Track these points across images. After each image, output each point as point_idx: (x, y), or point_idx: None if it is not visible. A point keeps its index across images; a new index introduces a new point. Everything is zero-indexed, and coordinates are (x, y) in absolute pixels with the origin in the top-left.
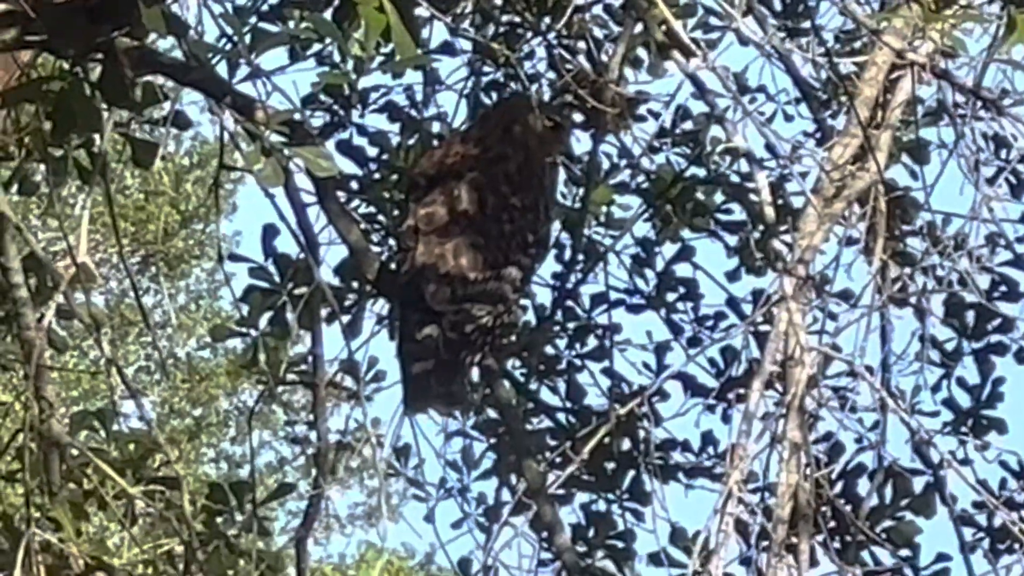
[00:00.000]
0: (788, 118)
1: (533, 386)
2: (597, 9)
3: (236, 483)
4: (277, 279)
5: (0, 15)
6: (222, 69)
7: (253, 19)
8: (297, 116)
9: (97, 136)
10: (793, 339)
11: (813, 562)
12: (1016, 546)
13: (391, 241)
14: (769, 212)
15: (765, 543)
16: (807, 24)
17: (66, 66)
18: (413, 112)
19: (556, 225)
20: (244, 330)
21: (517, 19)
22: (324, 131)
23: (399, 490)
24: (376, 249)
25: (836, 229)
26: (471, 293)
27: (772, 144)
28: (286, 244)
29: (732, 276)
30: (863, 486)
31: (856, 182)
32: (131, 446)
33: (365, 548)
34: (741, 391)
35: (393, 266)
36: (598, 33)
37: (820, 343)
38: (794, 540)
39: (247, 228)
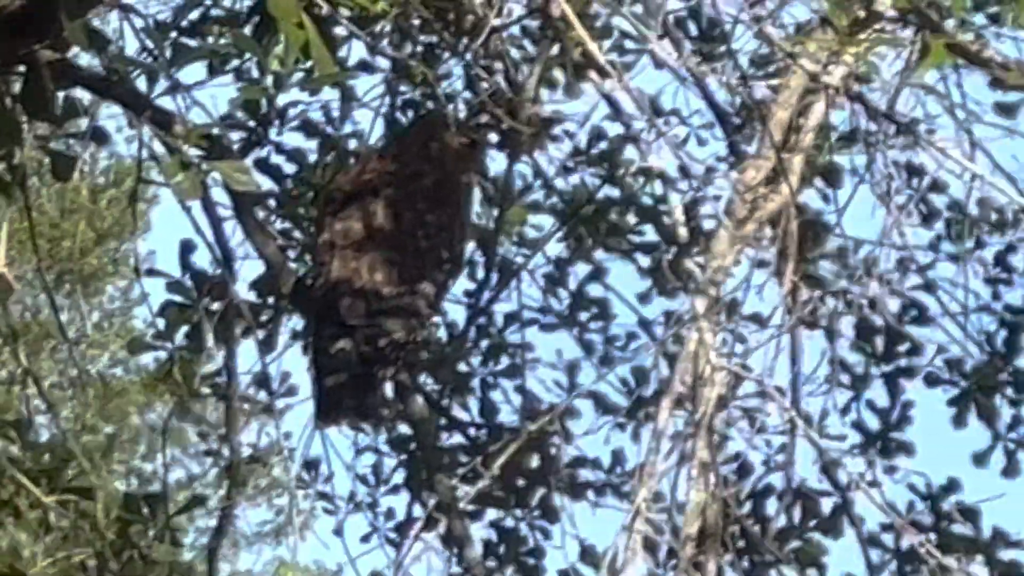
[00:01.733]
0: (701, 141)
1: (446, 402)
2: (514, 30)
3: (149, 494)
4: (194, 294)
5: None
6: (142, 83)
7: (174, 34)
8: (216, 131)
9: (16, 149)
10: (703, 359)
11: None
12: (923, 568)
13: (307, 257)
14: (682, 233)
15: (673, 561)
16: (723, 48)
17: None
18: (330, 129)
19: (470, 243)
20: (160, 344)
21: (435, 39)
22: (243, 149)
23: (308, 507)
24: (292, 264)
25: (748, 251)
26: (385, 308)
27: (686, 166)
28: (203, 259)
29: (644, 297)
30: (772, 506)
31: (768, 204)
32: (46, 456)
33: (277, 564)
34: (651, 410)
35: (309, 280)
36: (515, 54)
37: (730, 364)
38: (702, 559)
39: (161, 247)
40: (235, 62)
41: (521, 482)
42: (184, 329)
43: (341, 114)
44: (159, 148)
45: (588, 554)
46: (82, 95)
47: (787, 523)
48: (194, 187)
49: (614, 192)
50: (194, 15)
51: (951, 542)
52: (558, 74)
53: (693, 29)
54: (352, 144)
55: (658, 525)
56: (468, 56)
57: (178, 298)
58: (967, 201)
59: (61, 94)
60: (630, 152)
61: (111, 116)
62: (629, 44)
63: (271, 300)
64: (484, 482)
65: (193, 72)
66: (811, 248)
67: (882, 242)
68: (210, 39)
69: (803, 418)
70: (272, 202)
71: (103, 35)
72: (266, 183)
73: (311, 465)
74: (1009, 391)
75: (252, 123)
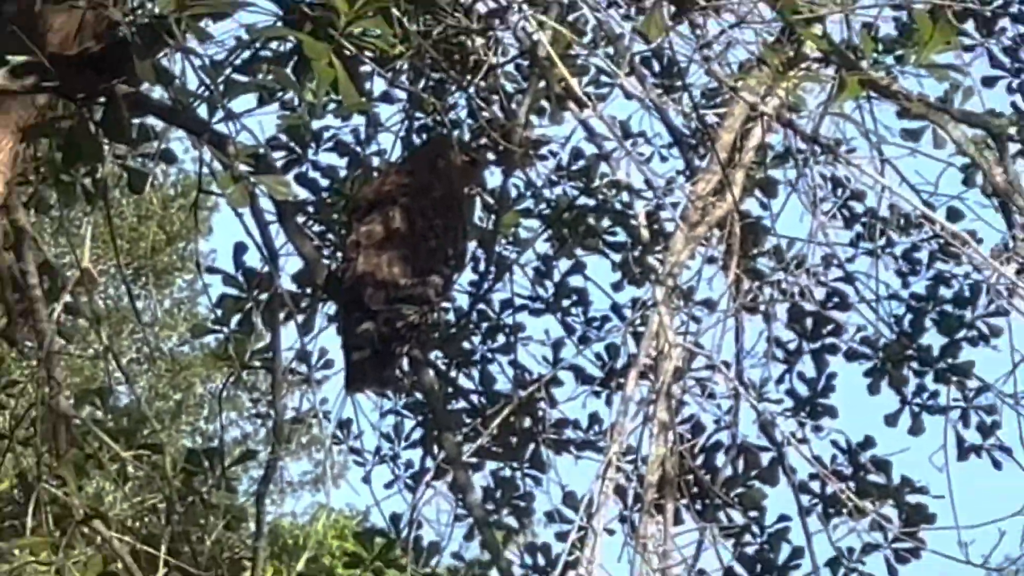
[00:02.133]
0: (663, 159)
1: (452, 374)
2: (508, 68)
3: (208, 449)
4: (245, 287)
5: (21, 65)
6: (202, 111)
7: (228, 71)
8: (261, 150)
9: (99, 166)
10: (663, 338)
11: (678, 520)
12: (843, 510)
13: (338, 254)
14: (645, 234)
15: (638, 504)
16: (679, 83)
17: (74, 108)
18: (358, 149)
19: (472, 242)
20: (218, 328)
21: (443, 76)
22: (286, 166)
23: (342, 460)
24: (325, 261)
25: (700, 250)
26: (401, 296)
27: (649, 179)
28: (253, 257)
29: (616, 287)
30: (720, 460)
31: (716, 211)
32: (124, 418)
33: (316, 508)
34: (621, 380)
35: (339, 274)
36: (509, 88)
37: (685, 341)
38: (662, 502)
39: (221, 247)
40: (280, 94)
41: (514, 440)
42: (237, 316)
43: (366, 137)
44: (217, 165)
45: (569, 499)
46: (153, 121)
47: (732, 473)
48: (243, 197)
49: (590, 201)
50: (245, 54)
51: (867, 488)
52: (544, 104)
53: (655, 67)
54: (376, 161)
55: (626, 474)
56: (470, 90)
57: (232, 291)
58: (879, 208)
59: (136, 121)
60: (604, 168)
61: (179, 138)
62: (603, 79)
63: (309, 291)
64: (483, 439)
65: (245, 102)
66: (751, 246)
67: (810, 241)
68: (259, 75)
69: (745, 387)
70: (310, 210)
71: (169, 72)
72: (305, 194)
73: (343, 425)
74: (915, 364)
75: (294, 144)
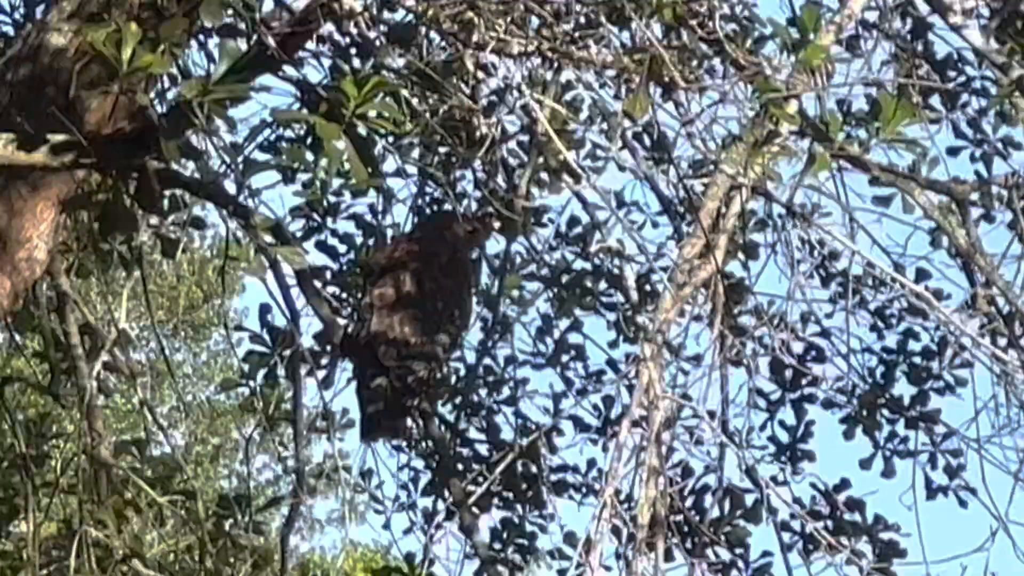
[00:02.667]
0: (654, 225)
1: (461, 425)
2: (511, 143)
3: (239, 495)
4: (270, 345)
5: (60, 143)
6: (229, 185)
7: (249, 150)
8: (281, 222)
9: (134, 235)
10: (652, 390)
11: (670, 558)
12: (821, 547)
13: (354, 314)
14: (635, 295)
15: (632, 543)
16: (667, 155)
17: (110, 182)
18: (373, 221)
19: (478, 303)
20: (245, 383)
21: (450, 151)
22: (307, 234)
23: (365, 500)
24: (341, 321)
25: (687, 308)
26: (412, 353)
27: (640, 244)
28: (280, 316)
29: (612, 344)
30: (708, 501)
31: (701, 273)
32: (160, 467)
33: (343, 545)
34: (615, 429)
35: (354, 333)
36: (511, 161)
37: (673, 393)
38: (653, 540)
39: (253, 304)
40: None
41: (519, 484)
42: (263, 371)
43: (381, 209)
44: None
45: (569, 538)
46: (183, 194)
47: (719, 513)
48: (260, 267)
49: (587, 265)
50: (267, 133)
51: (843, 526)
52: (543, 176)
53: (646, 141)
54: (389, 232)
55: (621, 515)
56: (475, 164)
57: (259, 348)
58: (851, 269)
59: (167, 192)
60: (598, 235)
61: (210, 208)
62: (599, 152)
63: (328, 349)
64: (487, 484)
65: (268, 176)
66: (734, 305)
67: (789, 298)
68: (279, 154)
69: (729, 434)
70: (328, 275)
71: (195, 149)
72: (324, 260)
73: (365, 475)
74: (886, 412)
75: (314, 215)
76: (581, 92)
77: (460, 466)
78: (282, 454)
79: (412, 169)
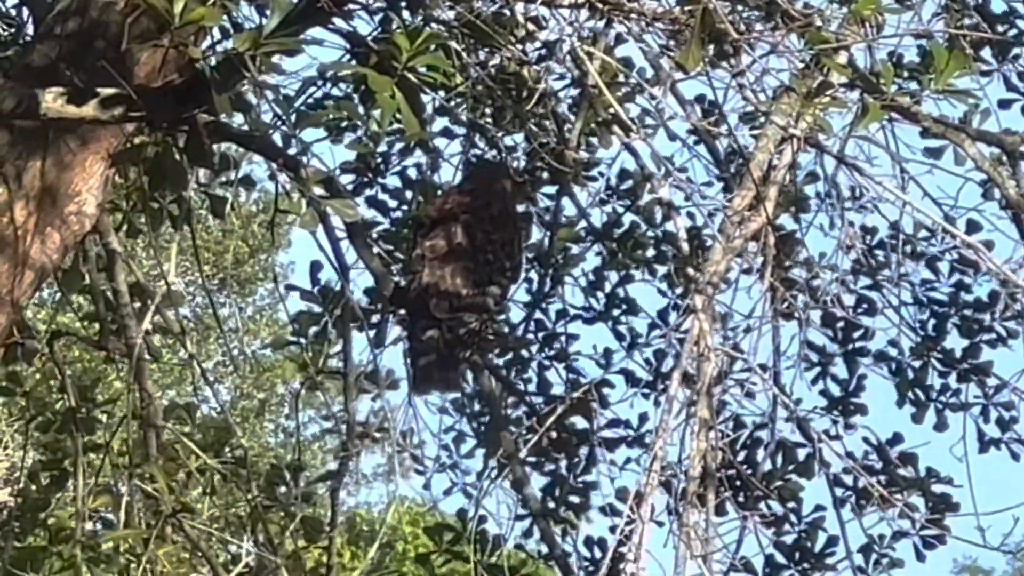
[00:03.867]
0: (706, 185)
1: (512, 379)
2: (561, 97)
3: (290, 464)
4: (320, 302)
5: (110, 97)
6: (278, 138)
7: (300, 103)
8: (332, 175)
9: (184, 190)
10: (703, 342)
11: (722, 512)
12: (874, 501)
13: (405, 269)
14: (685, 247)
15: (683, 497)
16: (718, 113)
17: (159, 136)
18: (422, 176)
19: (528, 256)
20: (296, 340)
21: (501, 104)
22: (358, 189)
23: (408, 458)
24: (392, 275)
25: (739, 262)
26: (463, 305)
27: (690, 194)
28: (328, 271)
29: (659, 302)
30: (760, 455)
31: (751, 224)
32: (211, 431)
33: (390, 500)
34: (667, 383)
35: (405, 285)
36: (562, 114)
37: (725, 346)
38: (704, 493)
39: (299, 258)
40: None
41: (570, 439)
42: (313, 329)
43: (430, 164)
44: (291, 187)
45: (621, 494)
46: (234, 148)
47: (771, 468)
48: (313, 220)
49: (637, 219)
50: (319, 87)
51: (896, 480)
52: (594, 129)
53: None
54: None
55: (672, 469)
56: (525, 117)
57: (310, 306)
58: (900, 221)
59: (217, 148)
60: (649, 187)
61: (258, 162)
62: (648, 120)
63: (379, 306)
64: (539, 435)
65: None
66: (785, 257)
67: (840, 247)
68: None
69: (780, 387)
70: (379, 230)
71: (246, 101)
72: (375, 215)
73: (405, 435)
74: (938, 365)
75: (366, 170)
76: (632, 46)
77: (510, 419)
78: (330, 409)
79: (460, 129)
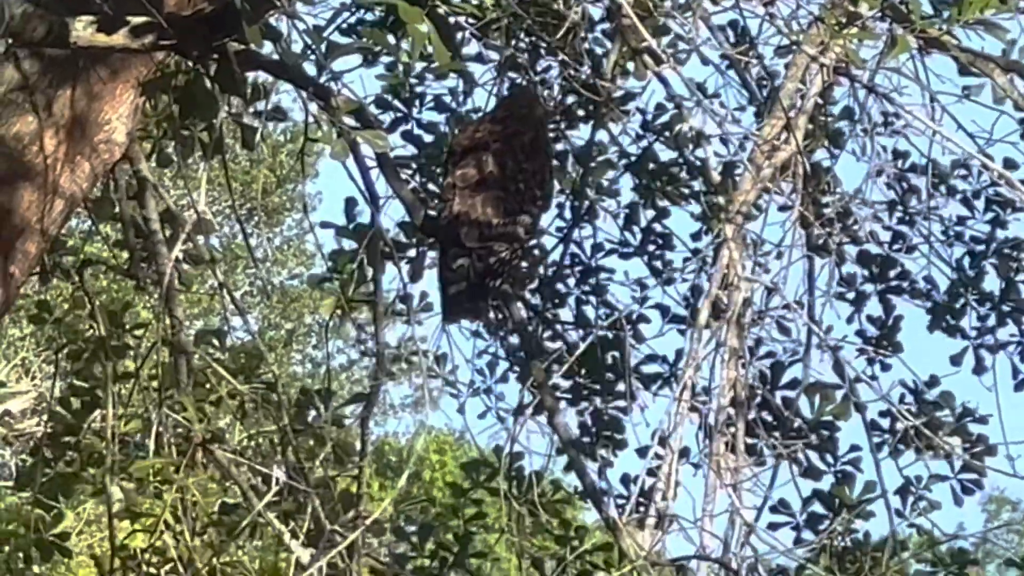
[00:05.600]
0: (735, 120)
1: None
2: (596, 33)
3: (320, 390)
4: (355, 239)
5: (140, 25)
6: (309, 67)
7: (331, 32)
8: (363, 104)
9: (214, 121)
10: (733, 270)
11: (756, 454)
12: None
13: (436, 201)
14: (716, 176)
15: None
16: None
17: (190, 64)
18: (455, 106)
19: (557, 185)
20: (331, 277)
21: (535, 37)
22: (392, 124)
23: (439, 385)
24: (422, 205)
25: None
26: (494, 234)
27: (721, 122)
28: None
29: (695, 236)
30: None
31: (780, 153)
32: (241, 356)
33: (416, 428)
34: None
35: (435, 214)
36: (596, 50)
37: (756, 275)
38: (734, 422)
39: (327, 189)
40: (381, 55)
41: (604, 375)
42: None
43: (463, 94)
44: (322, 117)
45: (656, 435)
46: (264, 78)
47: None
48: (344, 150)
49: (672, 154)
50: (348, 17)
51: (933, 421)
52: (628, 65)
53: (729, 33)
54: (472, 116)
55: (700, 395)
56: (560, 49)
57: (342, 244)
58: (930, 151)
59: (248, 77)
60: (683, 125)
61: (287, 90)
62: (681, 45)
63: (413, 241)
64: (571, 362)
65: (349, 61)
66: (816, 190)
67: (870, 176)
68: (361, 37)
69: (815, 321)
70: (413, 165)
71: (276, 30)
72: (411, 150)
73: (439, 359)
74: (975, 305)
75: (399, 104)
76: None
77: (543, 349)
78: (360, 337)
79: (493, 55)
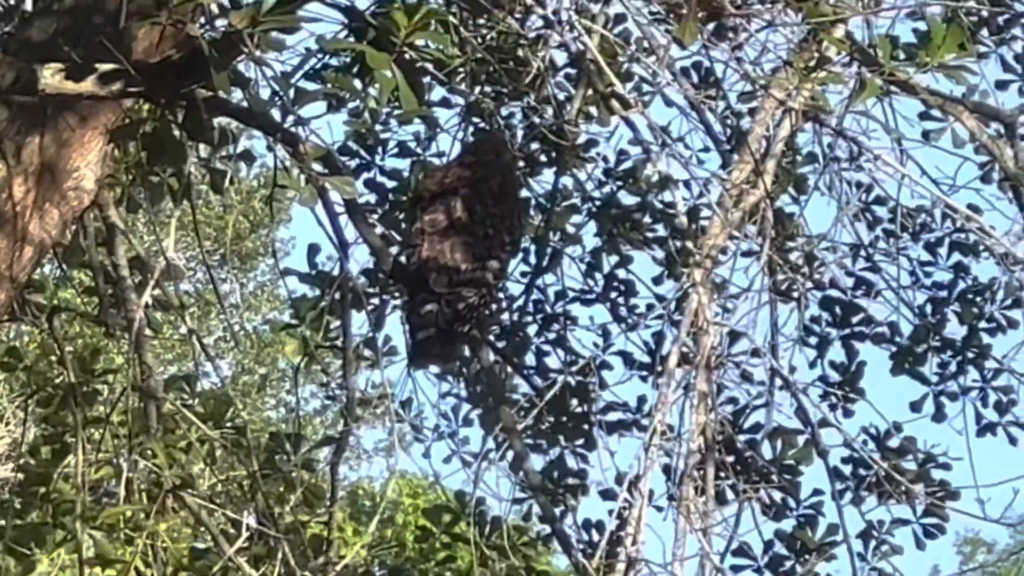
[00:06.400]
0: (700, 162)
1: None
2: (561, 78)
3: (290, 434)
4: (318, 285)
5: (108, 72)
6: (277, 113)
7: (298, 78)
8: (331, 151)
9: (183, 165)
10: (701, 315)
11: (723, 499)
12: (874, 488)
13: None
14: (684, 220)
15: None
16: (716, 89)
17: (158, 111)
18: (419, 151)
19: (527, 235)
20: (295, 323)
21: (499, 82)
22: (355, 171)
23: (410, 430)
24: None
25: (737, 244)
26: (463, 279)
27: (686, 165)
28: (328, 247)
29: (657, 280)
30: (759, 438)
31: (749, 198)
32: (211, 401)
33: (390, 474)
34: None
35: (404, 259)
36: (560, 95)
37: (722, 320)
38: (703, 466)
39: (300, 233)
40: (347, 101)
41: (568, 421)
42: (311, 313)
43: (427, 139)
44: (290, 163)
45: (621, 479)
46: (233, 123)
47: (772, 456)
48: (312, 196)
49: (636, 199)
50: (316, 63)
51: (896, 467)
52: (592, 110)
53: (694, 77)
54: (436, 160)
55: (671, 439)
56: (524, 95)
57: (307, 289)
58: (899, 194)
59: (217, 123)
60: (647, 170)
61: (258, 136)
62: (646, 87)
63: (378, 287)
64: (539, 408)
65: (316, 107)
66: (783, 236)
67: (839, 221)
68: (328, 83)
69: (778, 367)
70: (377, 212)
71: (244, 77)
72: (373, 198)
73: (405, 404)
74: (938, 351)
75: (363, 151)
76: (630, 25)
77: (509, 394)
78: (329, 383)
79: (458, 99)
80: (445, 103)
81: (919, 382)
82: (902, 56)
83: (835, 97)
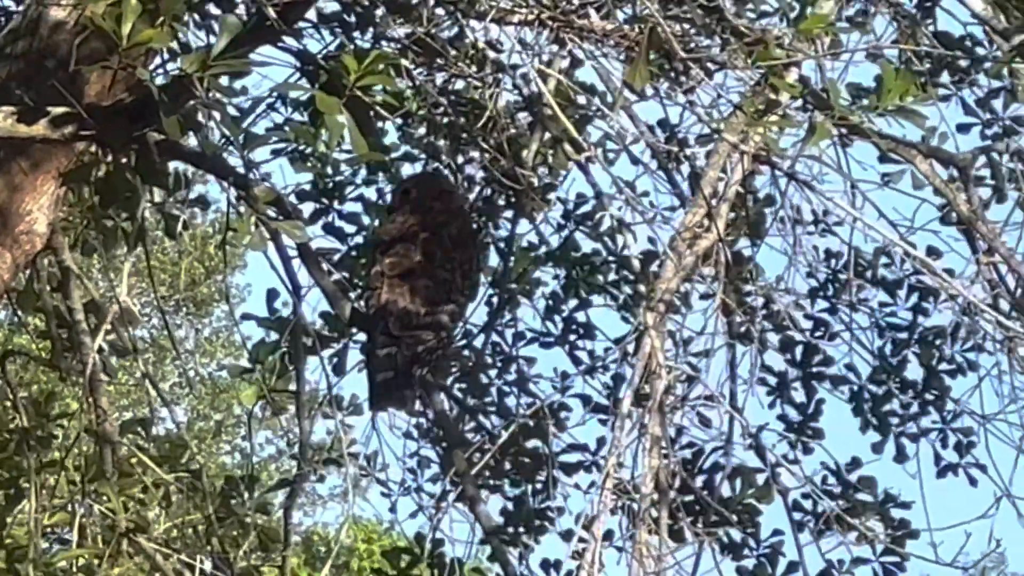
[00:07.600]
0: (665, 220)
1: (469, 402)
2: (518, 123)
3: (245, 476)
4: (277, 330)
5: (61, 116)
6: (230, 159)
7: (250, 122)
8: (281, 195)
9: (136, 209)
10: (654, 359)
11: (680, 537)
12: (833, 526)
13: (361, 293)
14: (636, 264)
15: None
16: (675, 139)
17: (110, 155)
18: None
19: (485, 283)
20: (252, 369)
21: (455, 127)
22: (314, 215)
23: (364, 476)
24: (346, 296)
25: (694, 286)
26: (421, 323)
27: (642, 210)
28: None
29: (620, 323)
30: (718, 479)
31: (702, 241)
32: (166, 445)
33: (345, 520)
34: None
35: (362, 303)
36: (518, 142)
37: (677, 363)
38: (657, 509)
39: (255, 279)
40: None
41: (527, 462)
42: (271, 357)
43: (390, 190)
44: (243, 207)
45: (580, 519)
46: (186, 168)
47: (730, 495)
48: (261, 240)
49: (595, 245)
50: (267, 106)
51: (855, 505)
52: (549, 155)
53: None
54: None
55: (624, 487)
56: (480, 140)
57: (267, 333)
58: (851, 237)
59: (171, 167)
60: (607, 216)
61: (214, 182)
62: (610, 144)
63: (337, 333)
64: (492, 453)
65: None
66: (738, 277)
67: (792, 263)
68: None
69: (737, 410)
70: (336, 257)
71: (196, 120)
72: (333, 243)
73: (370, 459)
74: (897, 392)
75: (322, 197)
76: (588, 69)
77: (464, 438)
78: (285, 430)
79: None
80: (409, 157)
81: (878, 426)
82: (855, 103)
83: (789, 142)
